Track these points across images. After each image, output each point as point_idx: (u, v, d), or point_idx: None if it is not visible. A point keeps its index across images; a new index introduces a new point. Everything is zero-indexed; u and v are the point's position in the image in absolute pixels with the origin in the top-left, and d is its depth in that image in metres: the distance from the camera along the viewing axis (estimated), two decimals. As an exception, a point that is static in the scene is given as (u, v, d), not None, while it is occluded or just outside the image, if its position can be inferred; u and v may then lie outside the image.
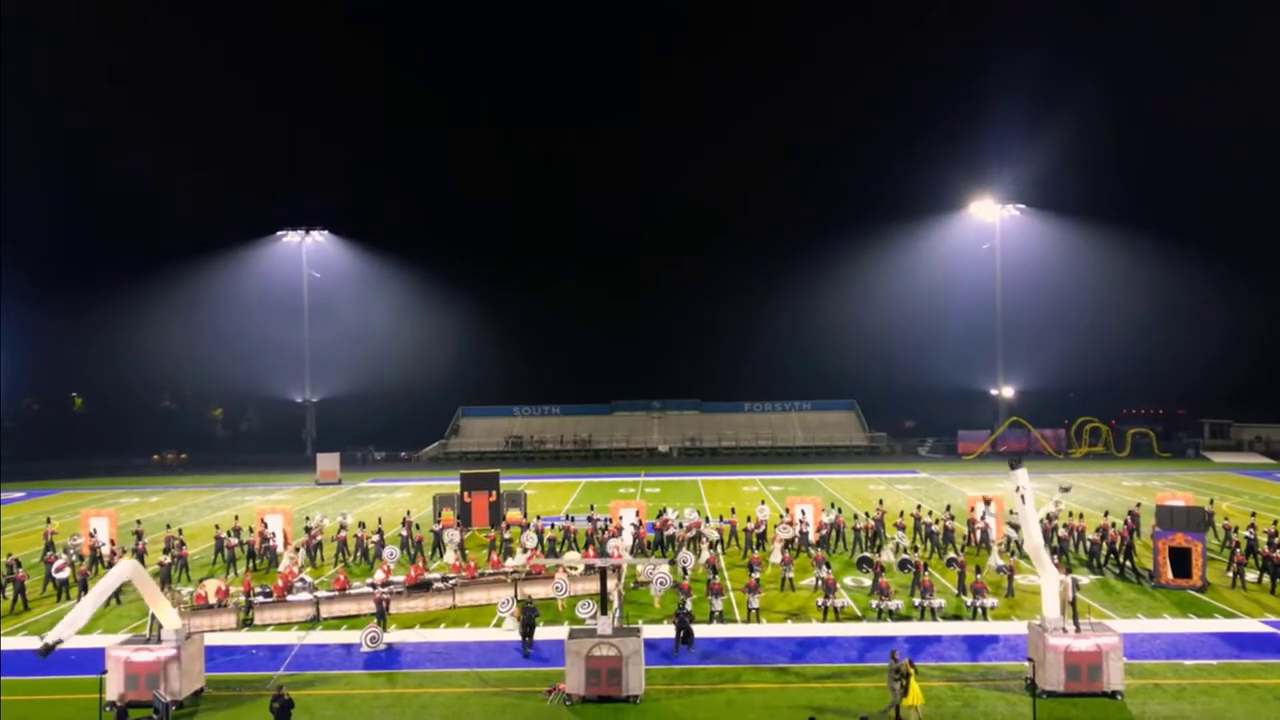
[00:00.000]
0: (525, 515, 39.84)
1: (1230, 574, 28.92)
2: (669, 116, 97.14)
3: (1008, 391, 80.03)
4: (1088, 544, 32.10)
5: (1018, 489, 20.68)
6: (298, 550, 32.95)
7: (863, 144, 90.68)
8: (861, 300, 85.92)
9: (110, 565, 29.92)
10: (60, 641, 18.69)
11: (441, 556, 33.42)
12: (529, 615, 23.28)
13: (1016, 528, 34.40)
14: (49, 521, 36.72)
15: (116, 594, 28.48)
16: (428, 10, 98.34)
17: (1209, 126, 77.93)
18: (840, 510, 37.26)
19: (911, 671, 18.44)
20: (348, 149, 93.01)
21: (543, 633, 23.93)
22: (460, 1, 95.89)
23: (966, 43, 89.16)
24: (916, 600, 25.81)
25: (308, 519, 38.11)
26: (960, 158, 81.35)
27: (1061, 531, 32.41)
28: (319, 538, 34.84)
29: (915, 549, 33.23)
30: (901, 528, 34.00)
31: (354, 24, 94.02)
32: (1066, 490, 33.52)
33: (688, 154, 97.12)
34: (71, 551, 32.83)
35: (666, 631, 23.81)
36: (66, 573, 30.06)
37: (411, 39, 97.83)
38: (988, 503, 34.90)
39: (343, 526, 35.32)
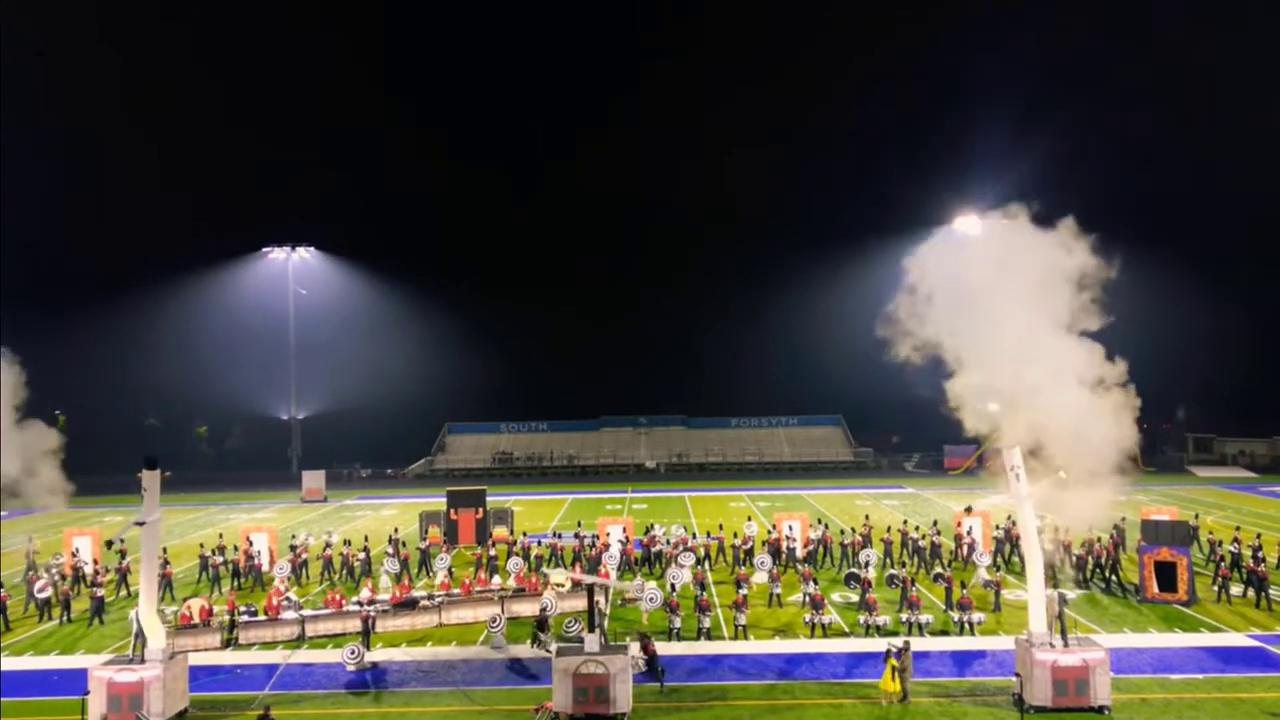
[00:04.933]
0: (512, 532, 39.71)
1: (1215, 588, 29.07)
2: (653, 133, 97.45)
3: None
4: (1074, 558, 32.21)
5: (1012, 468, 20.79)
6: (284, 568, 32.83)
7: (846, 159, 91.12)
8: (847, 315, 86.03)
9: (94, 584, 29.67)
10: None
11: (430, 575, 33.28)
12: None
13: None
14: (31, 540, 36.37)
15: (100, 613, 28.31)
16: (417, 26, 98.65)
17: (1190, 137, 78.45)
18: (827, 526, 37.30)
19: (894, 662, 19.98)
20: (334, 166, 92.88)
21: (530, 650, 23.89)
22: (448, 21, 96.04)
23: (953, 59, 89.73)
24: (904, 616, 25.81)
25: (293, 537, 37.92)
26: (944, 172, 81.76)
27: (1047, 546, 32.49)
28: (304, 556, 34.65)
29: (902, 564, 33.29)
30: (888, 542, 34.04)
31: (342, 40, 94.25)
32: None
33: (672, 169, 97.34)
34: (54, 571, 32.51)
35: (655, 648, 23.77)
36: (49, 592, 29.78)
37: (399, 57, 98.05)
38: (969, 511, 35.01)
39: (328, 544, 35.13)
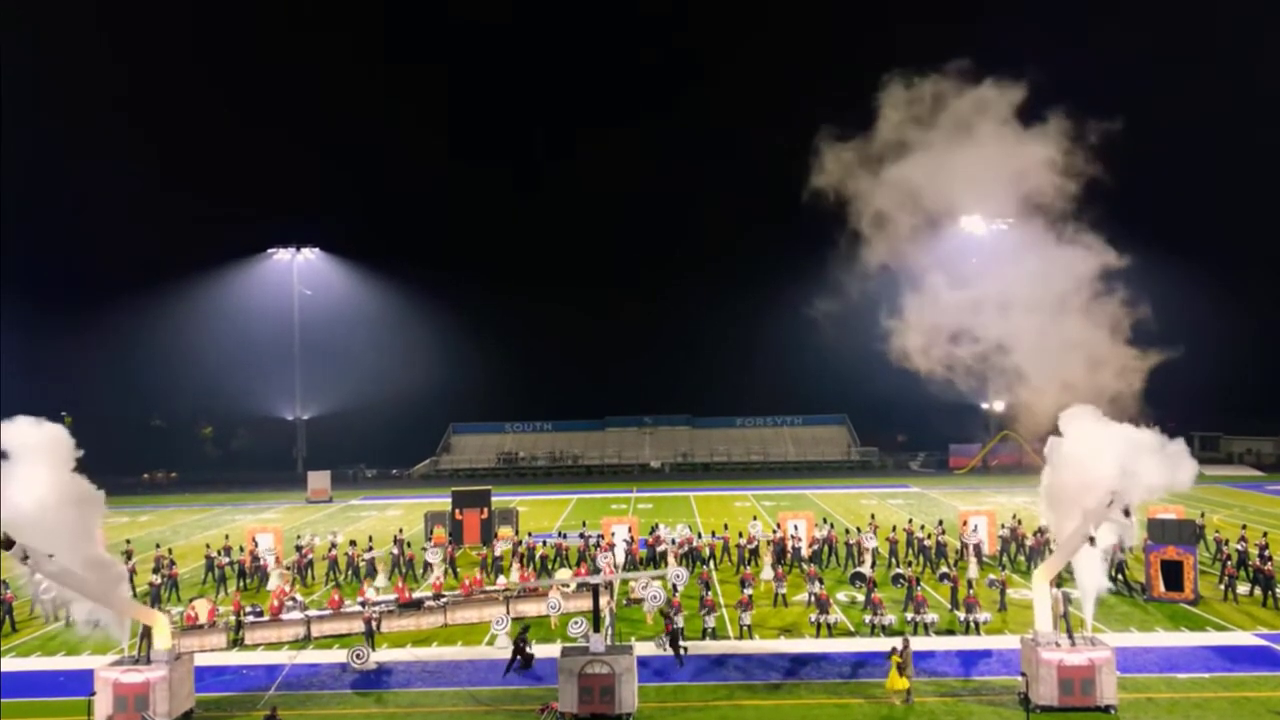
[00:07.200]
0: (517, 532, 39.71)
1: (1221, 587, 29.03)
2: (659, 132, 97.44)
3: (999, 405, 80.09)
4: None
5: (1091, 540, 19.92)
6: (288, 569, 32.89)
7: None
8: (853, 314, 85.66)
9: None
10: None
11: (429, 575, 33.27)
12: None
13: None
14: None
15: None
16: (421, 28, 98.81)
17: (1198, 135, 78.09)
18: (832, 525, 37.25)
19: (896, 659, 20.21)
20: (339, 166, 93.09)
21: (535, 650, 23.86)
22: (451, 23, 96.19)
23: (953, 54, 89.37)
24: (909, 615, 25.78)
25: (299, 537, 37.96)
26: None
27: (1054, 545, 32.40)
28: (310, 556, 34.69)
29: (908, 563, 33.24)
30: (893, 542, 33.97)
31: (347, 42, 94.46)
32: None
33: (676, 166, 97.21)
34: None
35: (659, 648, 23.77)
36: (55, 593, 29.81)
37: (402, 55, 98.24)
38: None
39: (333, 545, 35.16)
